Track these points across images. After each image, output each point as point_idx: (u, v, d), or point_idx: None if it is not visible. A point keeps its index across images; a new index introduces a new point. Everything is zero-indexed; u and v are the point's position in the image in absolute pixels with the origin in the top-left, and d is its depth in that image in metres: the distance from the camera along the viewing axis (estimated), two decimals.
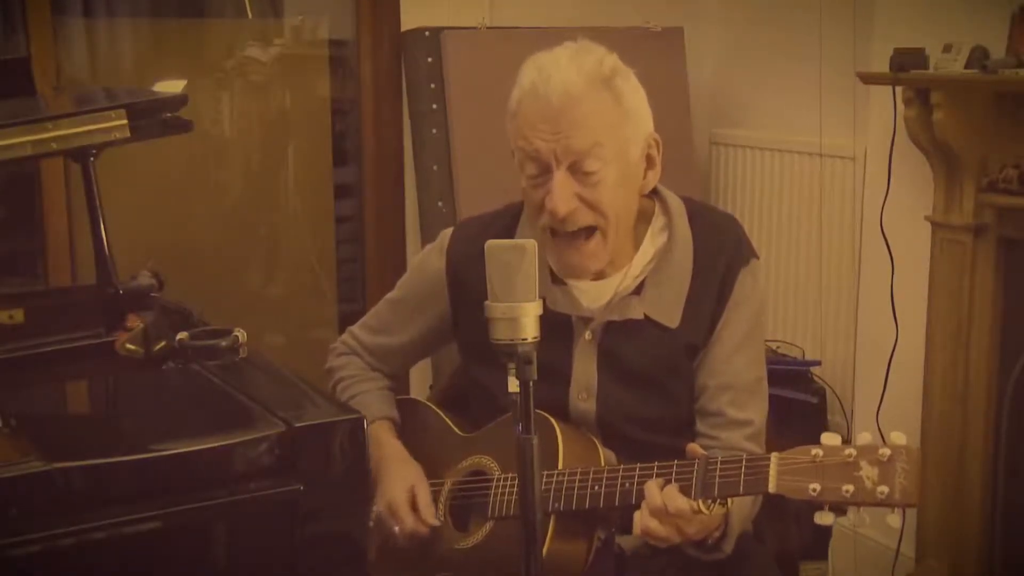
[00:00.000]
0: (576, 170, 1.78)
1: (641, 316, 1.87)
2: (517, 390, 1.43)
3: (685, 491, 1.65)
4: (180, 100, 2.16)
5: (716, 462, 1.66)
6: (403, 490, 1.93)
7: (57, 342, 1.94)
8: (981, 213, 2.80)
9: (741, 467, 1.63)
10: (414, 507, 1.91)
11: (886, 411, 3.06)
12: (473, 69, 3.33)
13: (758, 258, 1.93)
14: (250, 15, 3.76)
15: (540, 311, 1.45)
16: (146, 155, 3.00)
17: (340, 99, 3.83)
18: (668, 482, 1.67)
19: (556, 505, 1.77)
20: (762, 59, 3.68)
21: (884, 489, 1.52)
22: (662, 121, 1.89)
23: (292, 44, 3.81)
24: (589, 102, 1.77)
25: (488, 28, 3.45)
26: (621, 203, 1.83)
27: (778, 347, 3.41)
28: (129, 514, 1.46)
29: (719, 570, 1.80)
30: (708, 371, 1.88)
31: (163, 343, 1.87)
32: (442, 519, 1.94)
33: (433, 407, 2.11)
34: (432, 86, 3.39)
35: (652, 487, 1.67)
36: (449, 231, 2.06)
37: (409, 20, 3.50)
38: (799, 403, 3.17)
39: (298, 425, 1.57)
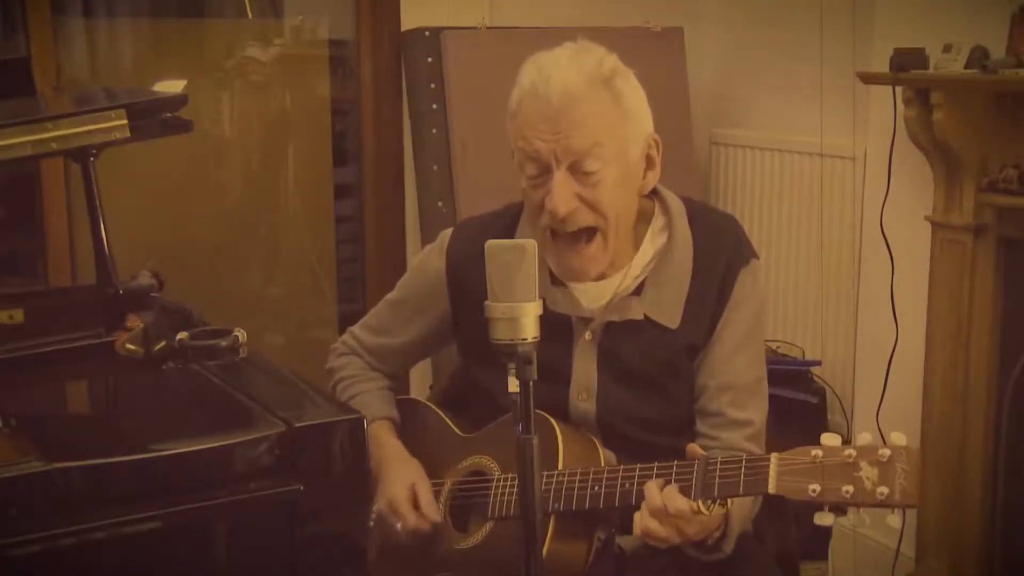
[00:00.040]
0: (576, 170, 1.78)
1: (641, 316, 1.87)
2: (517, 390, 1.43)
3: (685, 492, 1.65)
4: (180, 100, 2.16)
5: (716, 462, 1.66)
6: (404, 488, 1.93)
7: (57, 342, 1.94)
8: (981, 213, 2.80)
9: (741, 468, 1.63)
10: (416, 504, 1.91)
11: (886, 411, 3.06)
12: (473, 69, 3.33)
13: (758, 258, 1.93)
14: (250, 15, 3.76)
15: (540, 311, 1.45)
16: (146, 155, 3.00)
17: (340, 99, 3.83)
18: (668, 482, 1.67)
19: (556, 505, 1.77)
20: (762, 59, 3.68)
21: (884, 490, 1.52)
22: (662, 121, 1.89)
23: (292, 44, 3.81)
24: (589, 102, 1.77)
25: (488, 28, 3.45)
26: (621, 203, 1.83)
27: (778, 347, 3.41)
28: (129, 514, 1.46)
29: (719, 570, 1.80)
30: (708, 371, 1.88)
31: (163, 343, 1.87)
32: (443, 518, 1.94)
33: (433, 407, 2.11)
34: (432, 86, 3.39)
35: (652, 488, 1.67)
36: (449, 231, 2.06)
37: (409, 20, 3.50)
38: (799, 403, 3.17)
39: (298, 425, 1.57)
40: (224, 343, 1.84)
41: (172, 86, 2.43)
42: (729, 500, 1.67)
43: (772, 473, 1.59)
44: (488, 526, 1.89)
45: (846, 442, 1.58)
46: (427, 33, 3.40)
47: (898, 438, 1.54)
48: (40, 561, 1.42)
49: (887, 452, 1.53)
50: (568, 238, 1.83)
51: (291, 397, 1.74)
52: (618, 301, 1.88)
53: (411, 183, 3.59)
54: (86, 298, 2.09)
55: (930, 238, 2.92)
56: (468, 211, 3.07)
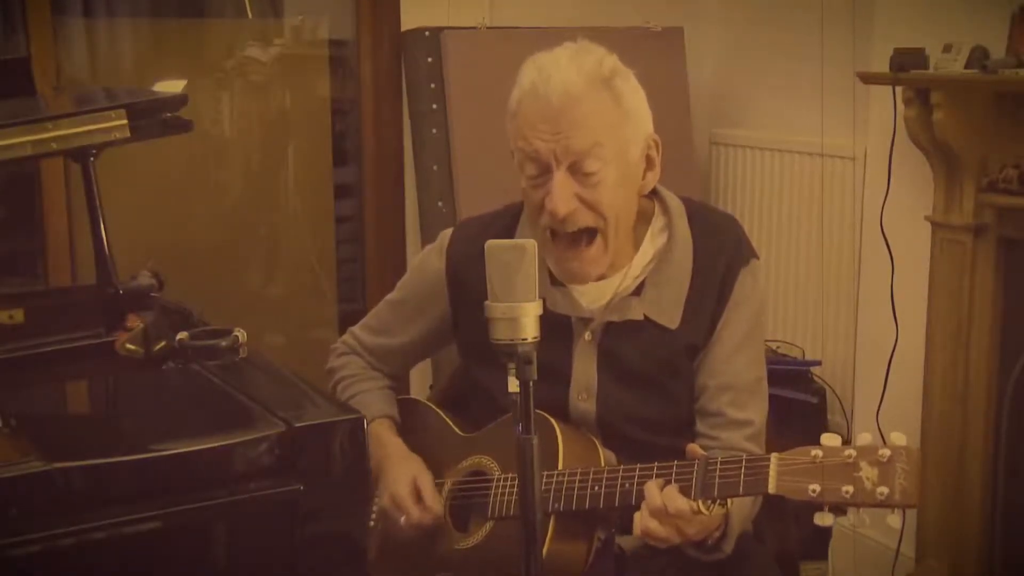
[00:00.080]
0: (576, 171, 1.78)
1: (641, 317, 1.87)
2: (517, 390, 1.43)
3: (685, 492, 1.65)
4: (180, 100, 2.16)
5: (716, 463, 1.66)
6: (406, 483, 1.93)
7: (57, 342, 1.94)
8: (981, 213, 2.80)
9: (741, 468, 1.63)
10: (418, 498, 1.92)
11: (886, 411, 3.06)
12: (473, 69, 3.33)
13: (758, 258, 1.93)
14: (250, 15, 3.76)
15: (540, 311, 1.45)
16: (146, 155, 3.00)
17: (340, 99, 3.83)
18: (668, 483, 1.67)
19: (556, 505, 1.77)
20: (762, 59, 3.68)
21: (884, 490, 1.52)
22: (662, 121, 1.89)
23: (292, 44, 3.81)
24: (589, 102, 1.77)
25: (488, 28, 3.45)
26: (621, 204, 1.83)
27: (778, 347, 3.41)
28: (129, 514, 1.46)
29: (719, 570, 1.80)
30: (708, 371, 1.88)
31: (163, 343, 1.87)
32: (444, 510, 1.94)
33: (433, 407, 2.11)
34: (432, 86, 3.39)
35: (652, 488, 1.67)
36: (449, 232, 2.06)
37: (409, 20, 3.50)
38: (799, 403, 3.17)
39: (298, 425, 1.57)
40: (224, 343, 1.84)
41: (172, 86, 2.43)
42: (729, 500, 1.67)
43: (772, 473, 1.59)
44: (488, 526, 1.89)
45: (846, 442, 1.58)
46: (427, 33, 3.40)
47: (898, 438, 1.54)
48: (40, 561, 1.42)
49: (887, 452, 1.53)
50: (568, 239, 1.83)
51: (291, 397, 1.74)
52: (618, 301, 1.88)
53: (411, 183, 3.59)
54: (86, 298, 2.09)
55: (930, 238, 2.92)
56: (468, 211, 3.07)
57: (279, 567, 1.58)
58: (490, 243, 1.46)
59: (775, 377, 2.27)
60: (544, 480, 1.76)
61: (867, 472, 1.53)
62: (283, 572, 1.58)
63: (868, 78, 2.92)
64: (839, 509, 1.56)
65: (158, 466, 1.53)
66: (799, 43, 3.39)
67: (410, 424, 2.07)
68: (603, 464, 1.83)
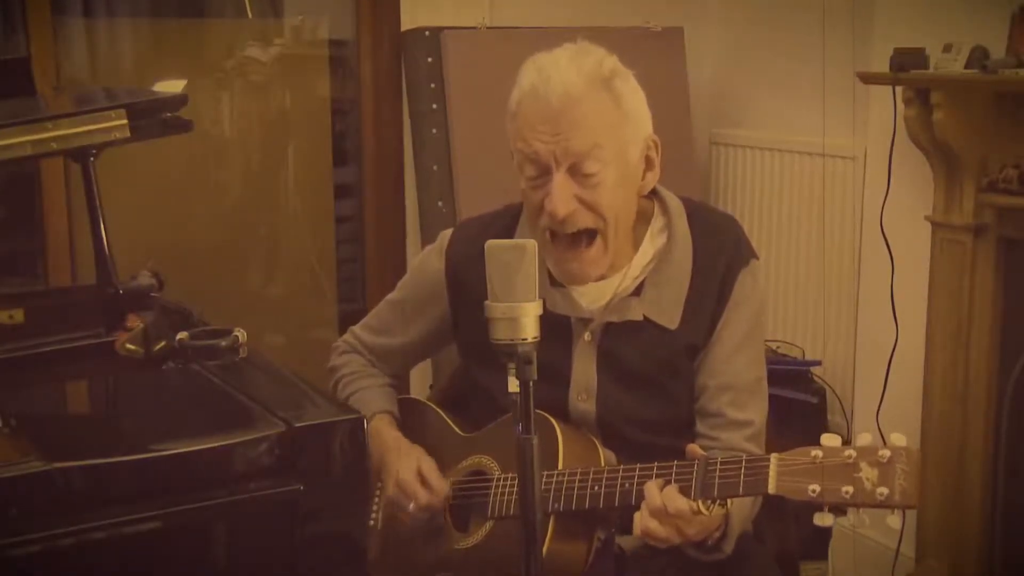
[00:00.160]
0: (576, 172, 1.78)
1: (640, 317, 1.87)
2: (517, 390, 1.43)
3: (685, 492, 1.65)
4: (180, 100, 2.16)
5: (716, 463, 1.66)
6: (410, 469, 1.93)
7: (57, 342, 1.94)
8: (981, 213, 2.80)
9: (741, 468, 1.63)
10: (424, 482, 1.92)
11: (886, 411, 3.06)
12: (473, 69, 3.33)
13: (758, 258, 1.92)
14: (250, 15, 3.76)
15: (540, 311, 1.45)
16: (146, 155, 3.00)
17: (340, 99, 3.83)
18: (668, 483, 1.67)
19: (556, 505, 1.77)
20: (762, 59, 3.68)
21: (884, 490, 1.52)
22: (662, 121, 1.89)
23: (292, 44, 3.81)
24: (589, 103, 1.77)
25: (488, 28, 3.45)
26: (620, 204, 1.82)
27: (778, 347, 3.41)
28: (129, 514, 1.46)
29: (719, 570, 1.80)
30: (708, 371, 1.88)
31: (163, 343, 1.87)
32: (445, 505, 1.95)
33: (433, 407, 2.11)
34: (432, 86, 3.39)
35: (652, 488, 1.67)
36: (448, 232, 2.06)
37: (409, 20, 3.50)
38: (799, 403, 3.17)
39: (298, 425, 1.58)
40: (224, 343, 1.84)
41: (172, 86, 2.43)
42: (729, 500, 1.67)
43: (772, 473, 1.59)
44: (488, 526, 1.89)
45: (846, 443, 1.58)
46: (427, 33, 3.40)
47: (898, 439, 1.54)
48: (40, 561, 1.42)
49: (887, 453, 1.53)
50: (567, 240, 1.83)
51: (291, 397, 1.75)
52: (617, 302, 1.88)
53: (411, 183, 3.59)
54: (86, 298, 2.09)
55: (930, 238, 2.92)
56: (468, 211, 3.07)
57: (279, 567, 1.58)
58: (490, 243, 1.46)
59: (775, 377, 2.27)
60: (544, 480, 1.76)
61: (867, 473, 1.53)
62: (283, 572, 1.58)
63: (868, 78, 2.92)
64: (839, 509, 1.56)
65: (158, 466, 1.53)
66: (799, 43, 3.39)
67: (410, 423, 2.07)
68: (603, 464, 1.83)
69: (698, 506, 1.64)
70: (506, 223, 1.97)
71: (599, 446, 1.87)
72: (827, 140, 3.31)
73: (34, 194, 3.27)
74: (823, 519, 1.57)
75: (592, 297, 1.89)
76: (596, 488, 1.75)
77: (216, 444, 1.54)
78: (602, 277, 1.88)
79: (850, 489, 1.53)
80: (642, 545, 1.78)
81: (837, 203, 3.35)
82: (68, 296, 2.45)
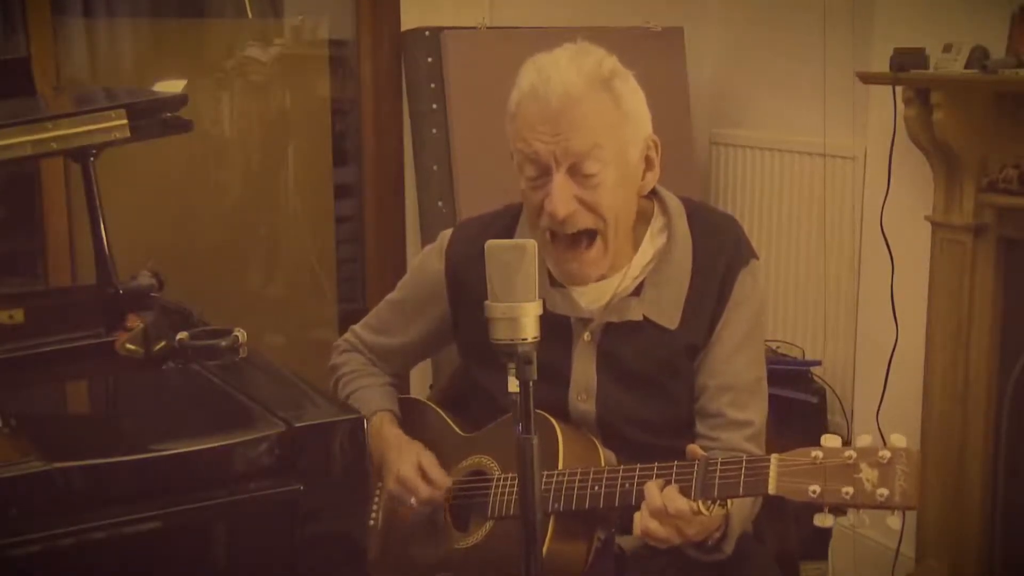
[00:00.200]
0: (575, 172, 1.78)
1: (640, 317, 1.87)
2: (517, 390, 1.43)
3: (685, 492, 1.65)
4: (180, 100, 2.16)
5: (716, 463, 1.66)
6: (411, 464, 1.94)
7: (57, 342, 1.94)
8: (981, 213, 2.80)
9: (741, 468, 1.63)
10: (424, 476, 1.92)
11: (886, 411, 3.06)
12: (473, 69, 3.33)
13: (758, 258, 1.92)
14: (250, 15, 3.76)
15: (540, 311, 1.45)
16: (146, 155, 3.00)
17: (340, 99, 3.83)
18: (668, 483, 1.67)
19: (556, 505, 1.77)
20: (762, 59, 3.68)
21: (884, 491, 1.52)
22: (662, 121, 1.89)
23: (292, 44, 3.81)
24: (588, 103, 1.77)
25: (488, 28, 3.45)
26: (620, 205, 1.82)
27: (778, 347, 3.41)
28: (129, 514, 1.46)
29: (719, 570, 1.80)
30: (708, 372, 1.88)
31: (163, 343, 1.87)
32: (446, 509, 1.95)
33: (434, 406, 2.11)
34: (432, 86, 3.39)
35: (652, 488, 1.67)
36: (448, 232, 2.06)
37: (409, 20, 3.50)
38: (799, 403, 3.17)
39: (298, 425, 1.57)
40: (224, 343, 1.84)
41: (172, 86, 2.43)
42: (729, 501, 1.67)
43: (772, 474, 1.59)
44: (488, 526, 1.89)
45: (846, 443, 1.58)
46: (427, 33, 3.40)
47: (898, 440, 1.54)
48: (40, 561, 1.42)
49: (887, 454, 1.53)
50: (567, 241, 1.83)
51: (291, 397, 1.74)
52: (617, 302, 1.88)
53: (411, 183, 3.59)
54: (86, 298, 2.09)
55: (930, 238, 2.92)
56: (468, 211, 3.07)
57: (279, 567, 1.58)
58: (490, 243, 1.46)
59: (775, 377, 2.27)
60: (544, 480, 1.76)
61: (867, 474, 1.53)
62: (283, 572, 1.58)
63: (868, 78, 2.92)
64: (839, 510, 1.56)
65: (158, 466, 1.53)
66: (799, 43, 3.39)
67: (411, 423, 2.07)
68: (603, 464, 1.83)
69: (698, 506, 1.64)
70: (506, 223, 1.97)
71: (599, 446, 1.87)
72: (827, 140, 3.31)
73: (34, 194, 3.27)
74: (823, 520, 1.57)
75: (592, 297, 1.89)
76: (596, 488, 1.75)
77: (216, 444, 1.54)
78: (602, 277, 1.88)
79: (850, 490, 1.53)
80: (642, 545, 1.78)
81: (837, 203, 3.35)
82: (68, 296, 2.45)
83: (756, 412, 1.90)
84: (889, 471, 1.52)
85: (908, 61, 2.77)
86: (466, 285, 1.94)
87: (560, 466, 1.80)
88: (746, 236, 1.94)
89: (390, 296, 2.14)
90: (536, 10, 3.55)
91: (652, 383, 1.88)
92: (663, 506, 1.64)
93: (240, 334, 1.86)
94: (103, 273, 2.05)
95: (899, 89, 2.85)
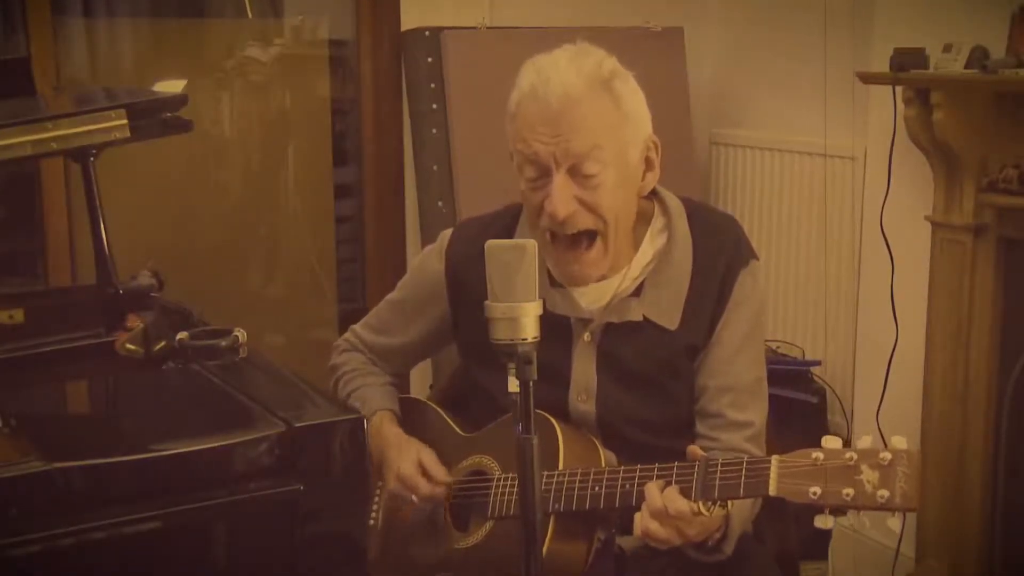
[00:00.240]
0: (576, 173, 1.78)
1: (640, 318, 1.87)
2: (517, 390, 1.43)
3: (685, 493, 1.65)
4: (180, 100, 2.16)
5: (716, 464, 1.66)
6: (411, 461, 1.94)
7: (57, 342, 1.94)
8: (981, 213, 2.80)
9: (742, 470, 1.63)
10: (425, 473, 1.92)
11: (886, 411, 3.06)
12: (473, 69, 3.33)
13: (758, 259, 1.92)
14: (250, 15, 3.76)
15: (540, 311, 1.44)
16: (146, 155, 3.00)
17: (340, 99, 3.83)
18: (668, 484, 1.67)
19: (556, 505, 1.77)
20: (762, 59, 3.68)
21: (884, 493, 1.52)
22: (662, 121, 1.89)
23: (292, 44, 3.81)
24: (588, 104, 1.76)
25: (488, 28, 3.45)
26: (620, 206, 1.82)
27: (778, 347, 3.41)
28: (129, 514, 1.46)
29: (719, 571, 1.80)
30: (708, 372, 1.88)
31: (163, 343, 1.87)
32: (446, 510, 1.95)
33: (434, 406, 2.11)
34: (432, 86, 3.39)
35: (652, 489, 1.67)
36: (448, 232, 2.06)
37: (409, 20, 3.50)
38: (799, 403, 3.17)
39: (298, 425, 1.58)
40: (224, 343, 1.84)
41: (172, 86, 2.43)
42: (729, 502, 1.67)
43: (773, 475, 1.59)
44: (488, 526, 1.89)
45: (847, 444, 1.58)
46: (427, 33, 3.40)
47: (899, 441, 1.54)
48: (40, 561, 1.42)
49: (888, 455, 1.53)
50: (568, 242, 1.83)
51: (291, 397, 1.75)
52: (617, 302, 1.88)
53: (411, 183, 3.59)
54: (86, 298, 2.09)
55: (930, 238, 2.92)
56: (468, 211, 3.07)
57: (279, 567, 1.58)
58: (490, 243, 1.46)
59: (775, 377, 2.27)
60: (544, 480, 1.76)
61: (868, 475, 1.53)
62: (283, 572, 1.58)
63: (868, 78, 2.92)
64: (839, 511, 1.56)
65: (158, 466, 1.53)
66: (799, 43, 3.39)
67: (411, 423, 2.07)
68: (603, 465, 1.83)
69: (698, 507, 1.64)
70: (506, 223, 1.97)
71: (599, 446, 1.87)
72: (827, 140, 3.31)
73: (34, 194, 3.27)
74: (824, 521, 1.57)
75: (592, 297, 1.89)
76: (596, 489, 1.75)
77: (216, 444, 1.54)
78: (602, 278, 1.88)
79: (851, 491, 1.53)
80: (642, 545, 1.78)
81: (837, 203, 3.35)
82: (68, 296, 2.45)
83: (756, 413, 1.90)
84: (890, 473, 1.52)
85: (908, 61, 2.77)
86: (466, 285, 1.94)
87: (560, 466, 1.80)
88: (746, 236, 1.94)
89: (390, 296, 2.14)
90: (536, 10, 3.55)
91: (652, 383, 1.88)
92: (663, 507, 1.64)
93: (240, 334, 1.86)
94: (103, 273, 2.05)
95: (899, 89, 2.85)
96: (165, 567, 1.52)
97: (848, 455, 1.55)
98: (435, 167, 3.40)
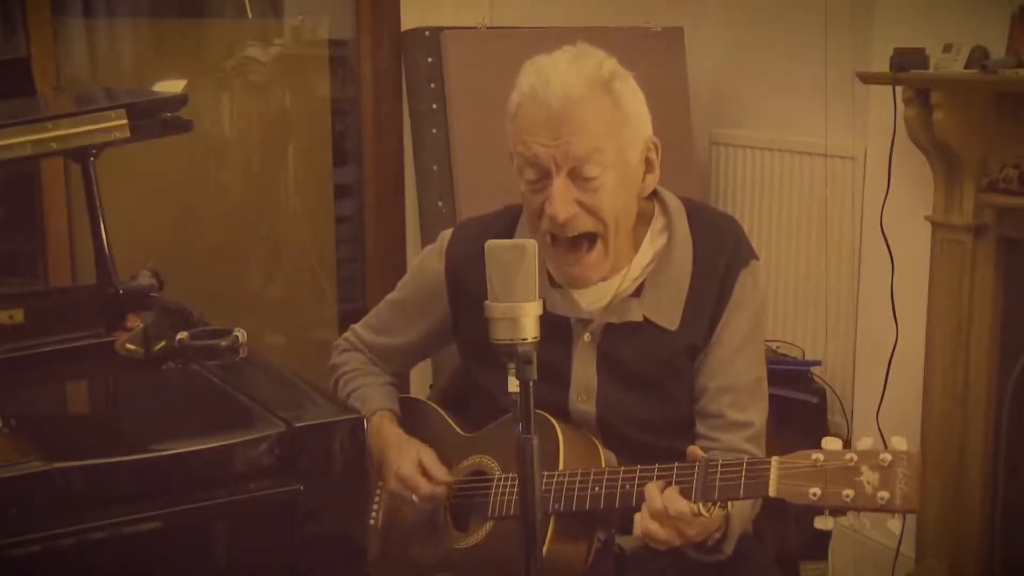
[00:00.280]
0: (576, 175, 1.77)
1: (640, 318, 1.87)
2: (517, 390, 1.43)
3: (685, 493, 1.65)
4: (180, 100, 2.16)
5: (716, 465, 1.66)
6: (411, 461, 1.94)
7: (57, 342, 1.94)
8: (981, 213, 2.80)
9: (742, 470, 1.63)
10: (425, 473, 1.92)
11: (886, 411, 3.06)
12: (473, 69, 3.33)
13: (758, 259, 1.92)
14: (250, 15, 3.76)
15: (540, 311, 1.44)
16: (146, 155, 3.00)
17: (340, 99, 3.83)
18: (668, 484, 1.67)
19: (556, 506, 1.77)
20: (762, 59, 3.68)
21: (884, 494, 1.52)
22: (662, 121, 1.89)
23: (292, 44, 3.81)
24: (588, 106, 1.76)
25: (488, 28, 3.45)
26: (621, 207, 1.82)
27: (778, 347, 3.41)
28: (129, 514, 1.46)
29: (719, 571, 1.80)
30: (708, 372, 1.88)
31: (163, 343, 1.87)
32: (446, 510, 1.94)
33: (434, 406, 2.11)
34: (432, 86, 3.39)
35: (652, 489, 1.66)
36: (448, 232, 2.06)
37: (409, 20, 3.50)
38: (799, 403, 3.17)
39: (298, 425, 1.57)
40: (224, 343, 1.84)
41: (172, 86, 2.43)
42: (729, 502, 1.67)
43: (773, 476, 1.59)
44: (488, 526, 1.89)
45: (847, 443, 1.58)
46: (427, 33, 3.40)
47: (899, 442, 1.54)
48: (40, 561, 1.42)
49: (888, 457, 1.53)
50: (568, 244, 1.83)
51: (291, 397, 1.74)
52: (617, 303, 1.88)
53: (411, 183, 3.59)
54: (86, 298, 2.09)
55: (930, 238, 2.92)
56: (468, 211, 3.07)
57: (279, 567, 1.58)
58: (490, 243, 1.46)
59: (775, 377, 2.27)
60: (544, 480, 1.76)
61: (868, 476, 1.53)
62: (283, 572, 1.58)
63: (868, 78, 2.92)
64: (839, 511, 1.56)
65: (158, 466, 1.53)
66: (799, 43, 3.39)
67: (411, 422, 2.07)
68: (604, 465, 1.83)
69: (699, 508, 1.64)
70: (506, 223, 1.97)
71: (600, 447, 1.86)
72: (827, 140, 3.31)
73: (34, 194, 3.27)
74: (824, 522, 1.57)
75: (592, 298, 1.89)
76: (597, 489, 1.75)
77: (216, 444, 1.54)
78: (602, 278, 1.88)
79: (851, 493, 1.53)
80: (642, 545, 1.78)
81: (837, 203, 3.35)
82: (68, 296, 2.45)
83: (756, 413, 1.90)
84: (890, 474, 1.52)
85: (908, 61, 2.77)
86: (466, 285, 1.94)
87: (560, 467, 1.80)
88: (746, 236, 1.94)
89: (390, 296, 2.14)
90: (536, 10, 3.55)
91: (652, 384, 1.88)
92: (664, 508, 1.64)
93: (240, 334, 1.86)
94: (103, 273, 2.05)
95: (899, 89, 2.85)
96: (165, 567, 1.52)
97: (848, 456, 1.55)
98: (435, 167, 3.40)
